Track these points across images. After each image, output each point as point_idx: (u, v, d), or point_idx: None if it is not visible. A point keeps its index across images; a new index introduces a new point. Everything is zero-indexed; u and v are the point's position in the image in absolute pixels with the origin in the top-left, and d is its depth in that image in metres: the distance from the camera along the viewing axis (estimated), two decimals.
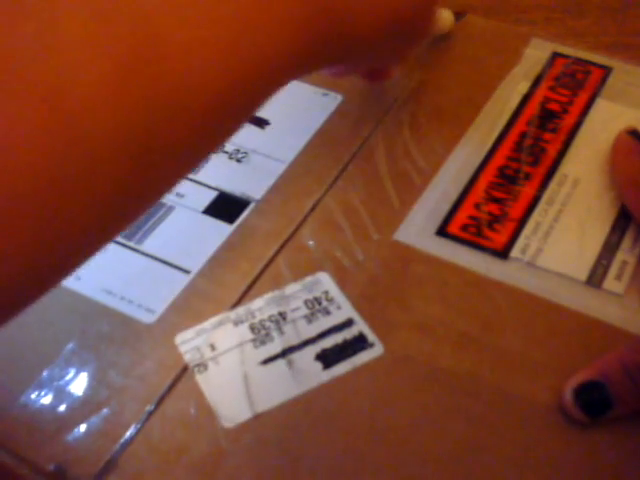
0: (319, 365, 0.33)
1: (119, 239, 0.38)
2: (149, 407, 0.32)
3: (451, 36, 0.48)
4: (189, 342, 0.34)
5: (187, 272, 0.37)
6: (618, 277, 0.35)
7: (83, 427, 0.32)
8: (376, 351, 0.33)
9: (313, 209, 0.39)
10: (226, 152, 0.42)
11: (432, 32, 0.46)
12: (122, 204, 0.22)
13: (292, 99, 0.45)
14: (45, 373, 0.33)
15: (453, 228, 0.38)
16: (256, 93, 0.26)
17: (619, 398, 0.30)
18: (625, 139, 0.40)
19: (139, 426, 0.32)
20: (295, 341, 0.34)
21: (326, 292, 0.35)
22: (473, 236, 0.37)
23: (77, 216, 0.20)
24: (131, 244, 0.38)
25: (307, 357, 0.33)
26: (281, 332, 0.34)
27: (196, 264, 0.37)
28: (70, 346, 0.34)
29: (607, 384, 0.30)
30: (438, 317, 0.34)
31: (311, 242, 0.38)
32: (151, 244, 0.38)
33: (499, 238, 0.37)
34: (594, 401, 0.30)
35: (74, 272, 0.22)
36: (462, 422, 0.31)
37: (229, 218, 0.39)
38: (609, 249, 0.36)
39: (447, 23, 0.48)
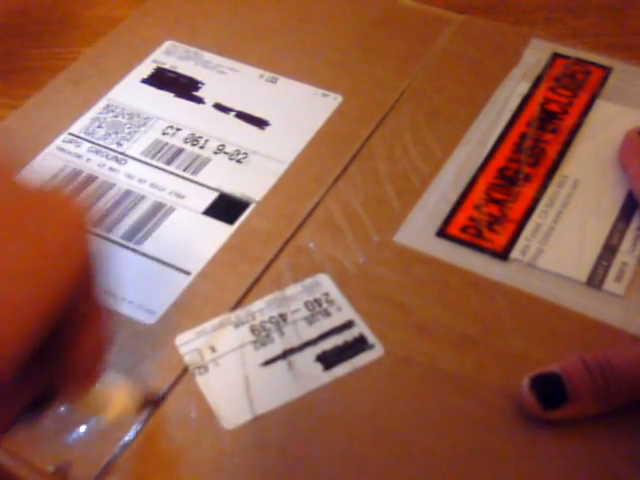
0: (319, 367, 0.33)
1: (119, 240, 0.38)
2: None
3: (445, 44, 0.48)
4: (189, 344, 0.34)
5: (187, 273, 0.37)
6: (618, 278, 0.35)
7: (83, 428, 0.32)
8: (376, 352, 0.33)
9: (313, 210, 0.39)
10: (226, 153, 0.42)
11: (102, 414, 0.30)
12: None
13: (292, 99, 0.45)
14: None
15: (453, 229, 0.38)
16: None
17: (575, 393, 0.30)
18: (636, 139, 0.40)
19: (139, 428, 0.32)
20: (295, 343, 0.34)
21: (326, 294, 0.35)
22: (473, 237, 0.37)
23: None
24: (131, 245, 0.38)
25: (307, 359, 0.33)
26: (281, 334, 0.34)
27: (196, 265, 0.37)
28: None
29: (565, 377, 0.31)
30: (438, 318, 0.34)
31: (311, 244, 0.38)
32: (151, 245, 0.38)
33: (499, 239, 0.37)
34: (549, 392, 0.30)
35: None
36: (463, 423, 0.31)
37: (229, 219, 0.39)
38: (609, 250, 0.36)
39: (127, 405, 0.31)
